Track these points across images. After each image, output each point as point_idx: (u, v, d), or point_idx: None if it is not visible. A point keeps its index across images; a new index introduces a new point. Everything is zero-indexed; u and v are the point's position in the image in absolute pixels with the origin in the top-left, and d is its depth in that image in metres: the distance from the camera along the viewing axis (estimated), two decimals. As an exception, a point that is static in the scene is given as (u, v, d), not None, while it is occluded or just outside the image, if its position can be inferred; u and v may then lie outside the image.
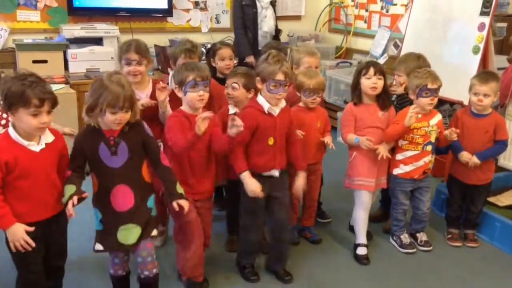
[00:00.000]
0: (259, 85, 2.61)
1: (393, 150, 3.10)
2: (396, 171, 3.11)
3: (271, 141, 2.64)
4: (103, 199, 2.22)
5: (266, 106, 2.60)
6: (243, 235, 2.81)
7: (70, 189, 2.14)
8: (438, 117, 3.06)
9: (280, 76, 2.53)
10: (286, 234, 2.83)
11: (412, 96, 3.01)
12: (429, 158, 3.06)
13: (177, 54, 3.11)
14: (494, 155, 3.20)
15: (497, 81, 3.03)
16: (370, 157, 3.00)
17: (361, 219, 3.11)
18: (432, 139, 3.03)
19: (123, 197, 2.21)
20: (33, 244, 2.09)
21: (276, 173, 2.69)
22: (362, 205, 3.07)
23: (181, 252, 2.59)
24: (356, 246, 3.12)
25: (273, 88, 2.55)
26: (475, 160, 3.06)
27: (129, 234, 2.24)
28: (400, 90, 3.21)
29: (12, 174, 2.04)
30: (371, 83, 2.93)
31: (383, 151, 2.95)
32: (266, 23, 5.07)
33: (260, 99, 2.62)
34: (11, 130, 2.07)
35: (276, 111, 2.62)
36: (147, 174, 2.31)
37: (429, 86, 2.92)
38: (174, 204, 2.26)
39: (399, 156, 3.10)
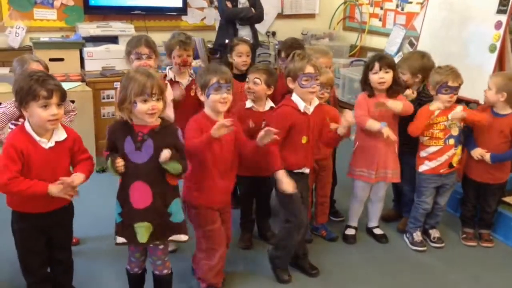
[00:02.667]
0: (291, 85, 2.62)
1: (415, 146, 3.12)
2: (421, 168, 3.12)
3: (304, 140, 2.65)
4: (123, 193, 2.24)
5: (301, 105, 2.61)
6: (286, 236, 2.75)
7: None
8: (458, 109, 3.04)
9: (309, 69, 2.55)
10: (305, 232, 2.88)
11: (432, 92, 3.02)
12: (452, 152, 3.06)
13: (172, 45, 3.09)
14: (509, 159, 3.15)
15: (505, 79, 3.01)
16: (371, 149, 3.04)
17: (354, 209, 3.28)
18: (454, 133, 3.03)
19: (141, 194, 2.21)
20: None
21: (307, 171, 2.71)
22: (357, 197, 3.21)
23: (204, 260, 2.58)
24: (347, 227, 3.31)
25: (305, 83, 2.56)
26: (487, 157, 3.04)
27: (142, 232, 2.24)
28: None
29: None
30: (378, 78, 2.96)
31: (388, 131, 2.91)
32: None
33: (295, 97, 2.63)
34: (26, 123, 2.18)
35: (310, 109, 2.63)
36: (173, 178, 2.27)
37: (450, 83, 2.93)
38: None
39: (422, 153, 3.11)
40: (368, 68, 3.00)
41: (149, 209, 2.22)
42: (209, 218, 2.50)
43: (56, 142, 2.20)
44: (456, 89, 2.95)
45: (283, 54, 3.27)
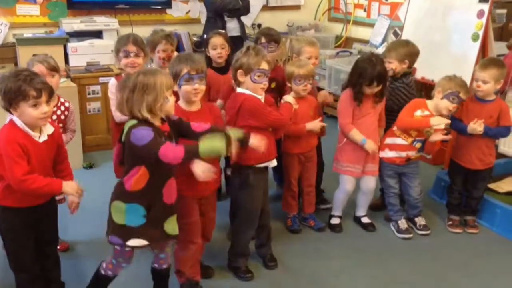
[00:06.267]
0: (241, 78, 2.59)
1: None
2: (381, 154, 3.18)
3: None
4: None
5: (259, 97, 2.61)
6: (237, 236, 2.80)
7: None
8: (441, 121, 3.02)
9: (264, 65, 2.57)
10: (269, 223, 2.90)
11: (439, 95, 3.01)
12: (413, 154, 3.13)
13: (157, 40, 3.07)
14: (497, 134, 3.17)
15: (499, 68, 3.02)
16: (358, 145, 3.07)
17: (340, 200, 3.30)
18: (424, 137, 3.06)
19: None
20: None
21: (274, 163, 2.72)
22: (344, 190, 3.24)
23: (180, 251, 2.56)
24: (331, 216, 3.33)
25: (258, 78, 2.57)
26: (482, 125, 3.02)
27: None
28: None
29: None
30: (370, 92, 3.00)
31: (372, 147, 3.04)
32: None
33: (243, 91, 2.60)
34: (16, 120, 2.14)
35: (262, 100, 2.64)
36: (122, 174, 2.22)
37: (461, 95, 2.96)
38: None
39: (388, 140, 3.16)
40: (361, 77, 2.96)
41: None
42: (186, 211, 2.46)
43: (49, 135, 2.23)
44: (462, 99, 2.97)
45: (263, 40, 3.26)
